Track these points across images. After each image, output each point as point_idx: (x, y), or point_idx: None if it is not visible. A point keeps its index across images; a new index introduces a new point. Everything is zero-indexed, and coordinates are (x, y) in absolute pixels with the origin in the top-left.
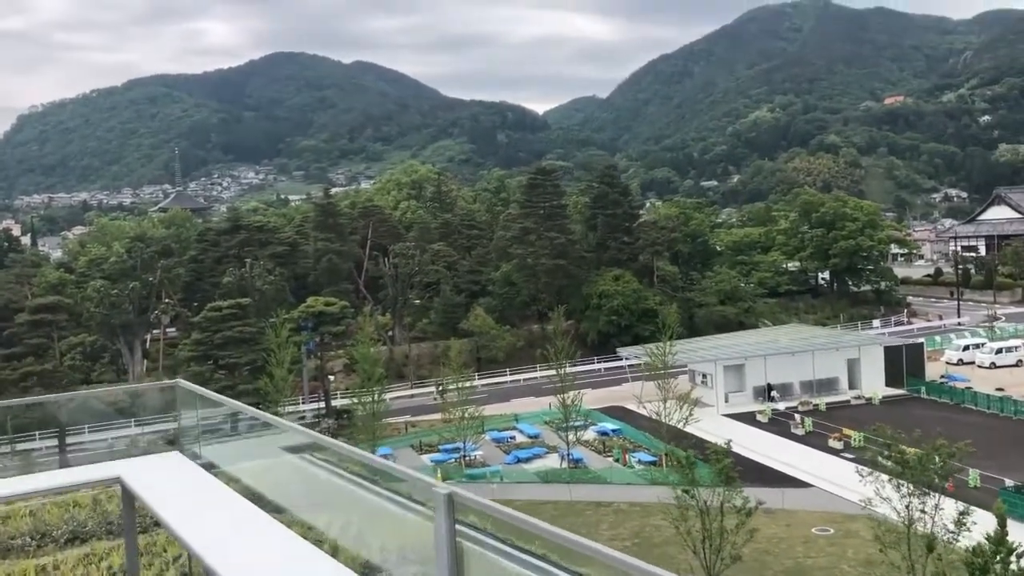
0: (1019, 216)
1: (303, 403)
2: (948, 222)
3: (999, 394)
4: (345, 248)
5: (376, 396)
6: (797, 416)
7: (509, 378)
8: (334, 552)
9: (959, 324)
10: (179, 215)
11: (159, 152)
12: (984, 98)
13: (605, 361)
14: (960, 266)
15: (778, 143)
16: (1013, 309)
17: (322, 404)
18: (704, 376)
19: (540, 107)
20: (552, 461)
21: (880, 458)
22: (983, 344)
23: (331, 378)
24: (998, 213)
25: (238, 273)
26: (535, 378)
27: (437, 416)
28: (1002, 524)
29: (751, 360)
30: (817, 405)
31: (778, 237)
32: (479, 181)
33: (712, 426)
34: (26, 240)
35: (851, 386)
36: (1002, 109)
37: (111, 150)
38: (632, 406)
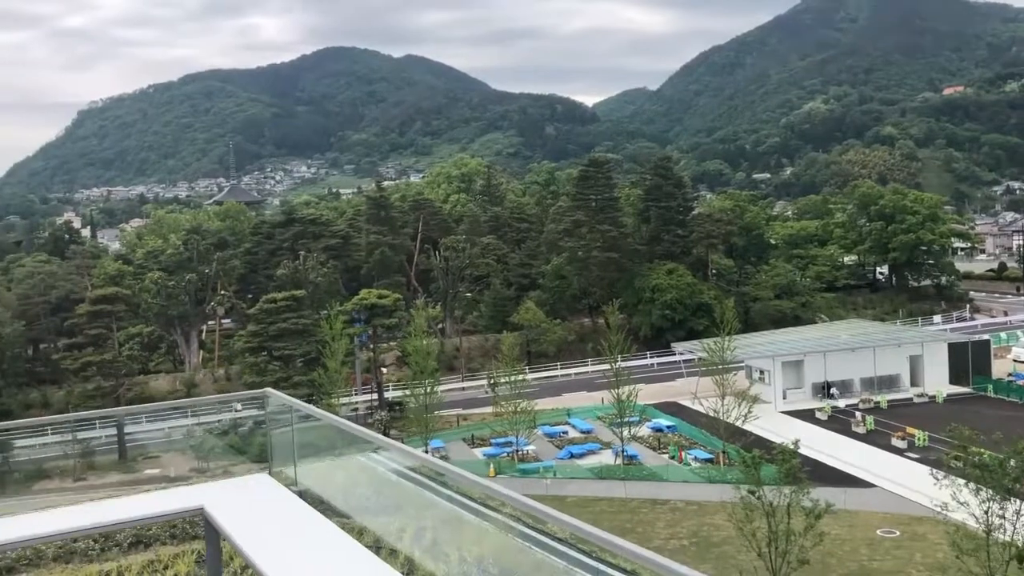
0: None
1: (356, 395)
2: (1010, 215)
3: None
4: (397, 241)
5: (428, 389)
6: (858, 414)
7: (560, 372)
8: None
9: None
10: (233, 208)
11: (213, 146)
12: None
13: (657, 356)
14: None
15: (832, 135)
16: None
17: (375, 396)
18: (761, 372)
19: (589, 99)
20: (606, 457)
21: (952, 460)
22: None
23: (383, 370)
24: None
25: (292, 265)
26: (586, 372)
27: (488, 409)
28: None
29: (810, 356)
30: (878, 403)
31: (835, 230)
32: (528, 174)
33: (770, 423)
34: (86, 232)
35: (913, 383)
36: None
37: (167, 144)
38: (686, 402)
